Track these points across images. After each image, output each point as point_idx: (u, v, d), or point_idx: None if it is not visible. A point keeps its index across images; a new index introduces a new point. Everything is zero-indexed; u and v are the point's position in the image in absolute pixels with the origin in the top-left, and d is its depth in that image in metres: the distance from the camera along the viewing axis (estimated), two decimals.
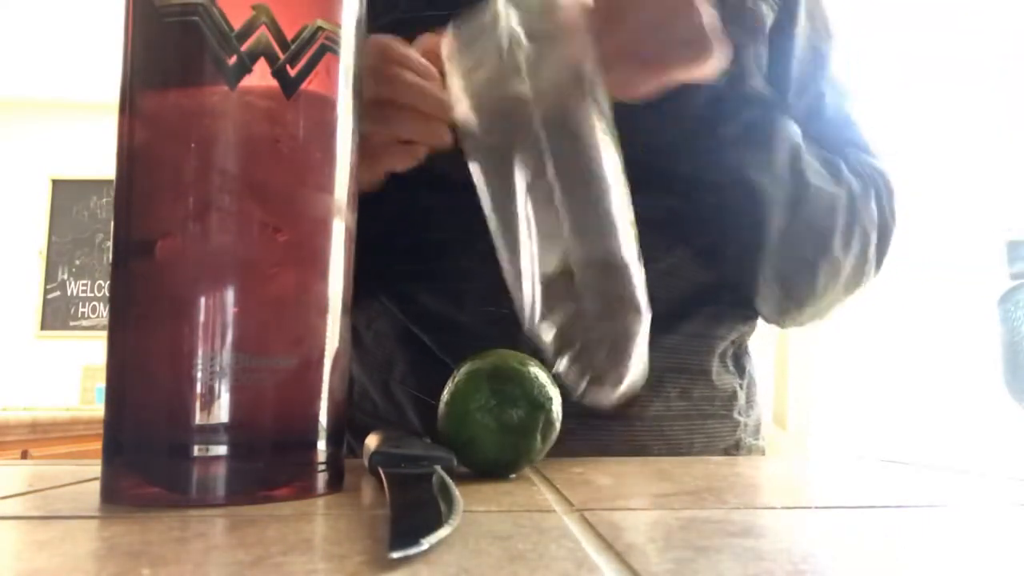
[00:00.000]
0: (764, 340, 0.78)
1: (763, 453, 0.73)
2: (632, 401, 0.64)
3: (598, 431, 0.62)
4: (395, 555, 0.23)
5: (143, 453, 0.35)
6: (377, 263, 0.66)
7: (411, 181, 0.60)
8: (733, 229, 0.64)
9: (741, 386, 0.71)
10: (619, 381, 0.46)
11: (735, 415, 0.70)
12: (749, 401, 0.72)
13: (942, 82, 3.03)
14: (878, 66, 2.84)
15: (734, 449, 0.69)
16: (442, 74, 0.50)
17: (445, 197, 0.64)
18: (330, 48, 0.37)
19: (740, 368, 0.71)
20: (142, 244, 0.35)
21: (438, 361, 0.65)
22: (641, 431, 0.64)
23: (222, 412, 0.34)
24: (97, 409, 3.23)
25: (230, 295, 0.34)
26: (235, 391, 0.34)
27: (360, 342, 0.71)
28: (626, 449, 0.63)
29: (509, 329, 0.61)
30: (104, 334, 0.36)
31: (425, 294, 0.67)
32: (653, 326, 0.64)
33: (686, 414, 0.66)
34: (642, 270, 0.46)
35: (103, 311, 4.00)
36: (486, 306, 0.63)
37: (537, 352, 0.47)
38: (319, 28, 0.36)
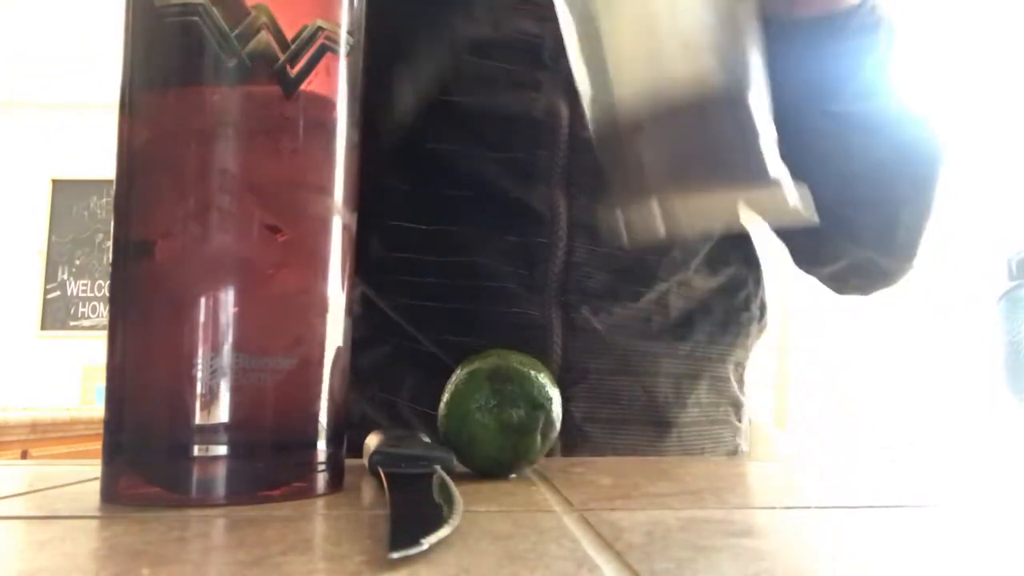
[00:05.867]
0: (764, 342, 0.79)
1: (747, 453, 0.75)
2: (652, 408, 0.64)
3: (621, 437, 0.63)
4: (395, 555, 0.23)
5: (143, 453, 0.35)
6: (373, 265, 0.65)
7: (425, 173, 0.59)
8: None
9: (742, 391, 0.72)
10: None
11: (734, 421, 0.71)
12: (744, 406, 0.74)
13: (941, 82, 3.02)
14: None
15: (734, 454, 0.71)
16: None
17: (467, 190, 0.61)
18: (330, 48, 0.37)
19: (740, 375, 0.73)
20: (142, 244, 0.35)
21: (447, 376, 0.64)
22: (661, 437, 0.65)
23: (222, 412, 0.34)
24: (97, 409, 3.23)
25: (230, 295, 0.34)
26: (235, 391, 0.34)
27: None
28: (651, 453, 0.64)
29: (533, 333, 0.59)
30: (104, 334, 0.36)
31: (439, 299, 0.63)
32: (668, 334, 0.64)
33: (696, 420, 0.67)
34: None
35: (103, 311, 4.00)
36: (510, 307, 0.61)
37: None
38: (319, 28, 0.36)
